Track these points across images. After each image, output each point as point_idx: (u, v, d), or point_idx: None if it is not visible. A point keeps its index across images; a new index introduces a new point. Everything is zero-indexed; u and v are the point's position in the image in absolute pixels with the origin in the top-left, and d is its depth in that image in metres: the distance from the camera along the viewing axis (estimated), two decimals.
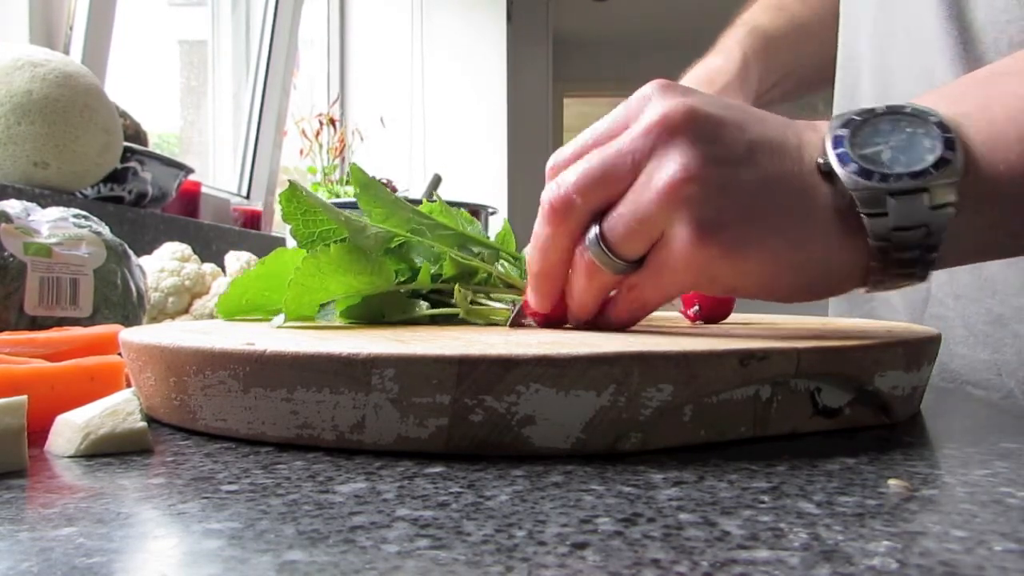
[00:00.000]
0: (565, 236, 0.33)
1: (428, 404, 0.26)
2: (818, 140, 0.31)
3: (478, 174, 2.61)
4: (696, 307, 0.44)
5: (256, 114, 2.03)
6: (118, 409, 0.28)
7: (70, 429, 0.27)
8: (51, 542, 0.18)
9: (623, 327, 0.36)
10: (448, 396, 0.26)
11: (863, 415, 0.31)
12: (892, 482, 0.23)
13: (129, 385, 0.34)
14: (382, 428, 0.26)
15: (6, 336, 0.38)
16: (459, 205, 1.05)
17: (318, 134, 1.98)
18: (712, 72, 0.65)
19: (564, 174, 0.33)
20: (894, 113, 0.31)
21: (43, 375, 0.31)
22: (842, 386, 0.31)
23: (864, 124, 0.30)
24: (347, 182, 1.94)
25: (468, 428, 0.26)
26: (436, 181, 1.27)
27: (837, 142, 0.30)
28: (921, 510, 0.21)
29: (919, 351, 0.33)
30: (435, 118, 2.71)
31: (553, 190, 0.33)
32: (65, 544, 0.18)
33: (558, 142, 4.19)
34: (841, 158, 0.30)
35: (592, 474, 0.24)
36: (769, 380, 0.29)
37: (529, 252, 0.36)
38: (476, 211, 1.09)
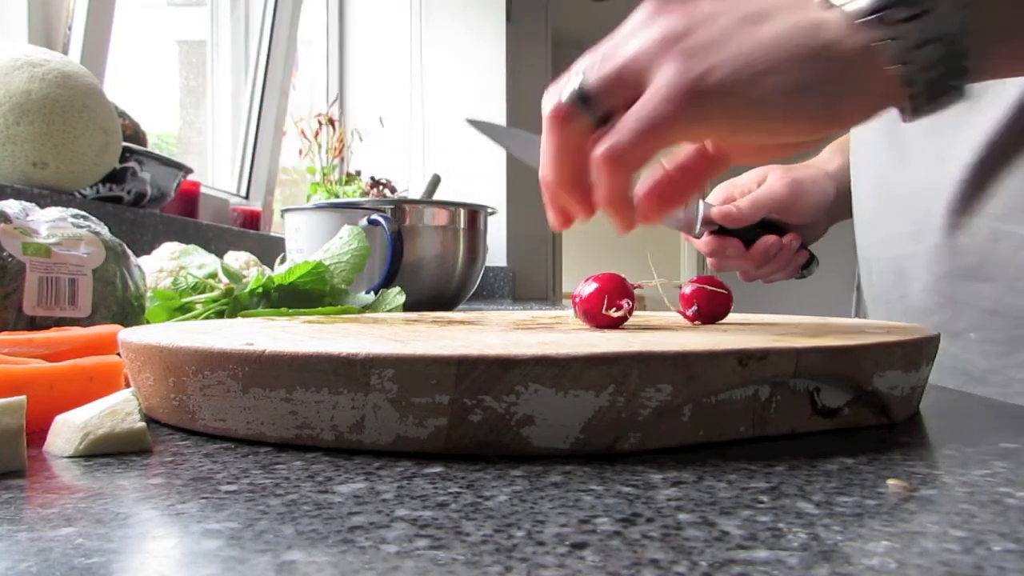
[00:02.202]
0: (559, 133, 0.33)
1: (427, 404, 0.26)
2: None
3: (477, 174, 2.61)
4: (695, 307, 0.44)
5: (255, 114, 2.03)
6: (117, 409, 0.28)
7: (69, 429, 0.27)
8: (50, 542, 0.18)
9: (616, 210, 0.34)
10: (447, 396, 0.26)
11: (862, 415, 0.31)
12: (891, 482, 0.23)
13: (128, 385, 0.34)
14: (381, 428, 0.26)
15: (5, 336, 0.38)
16: (458, 205, 1.06)
17: (317, 134, 1.98)
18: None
19: (570, 72, 0.34)
20: None
21: (42, 375, 0.31)
22: (841, 386, 0.31)
23: None
24: (346, 182, 1.94)
25: (467, 428, 0.26)
26: (435, 181, 1.27)
27: None
28: (920, 510, 0.21)
29: (918, 351, 0.33)
30: (434, 118, 2.71)
31: (556, 86, 0.34)
32: (64, 544, 0.18)
33: None
34: None
35: (591, 474, 0.24)
36: (768, 380, 0.29)
37: (541, 170, 0.35)
38: (475, 211, 1.09)
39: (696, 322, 0.45)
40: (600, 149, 0.32)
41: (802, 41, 0.30)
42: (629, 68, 0.31)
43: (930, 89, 0.31)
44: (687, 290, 0.45)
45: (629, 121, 0.31)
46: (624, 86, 0.31)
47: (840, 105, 0.31)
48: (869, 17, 0.29)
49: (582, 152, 0.33)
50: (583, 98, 0.32)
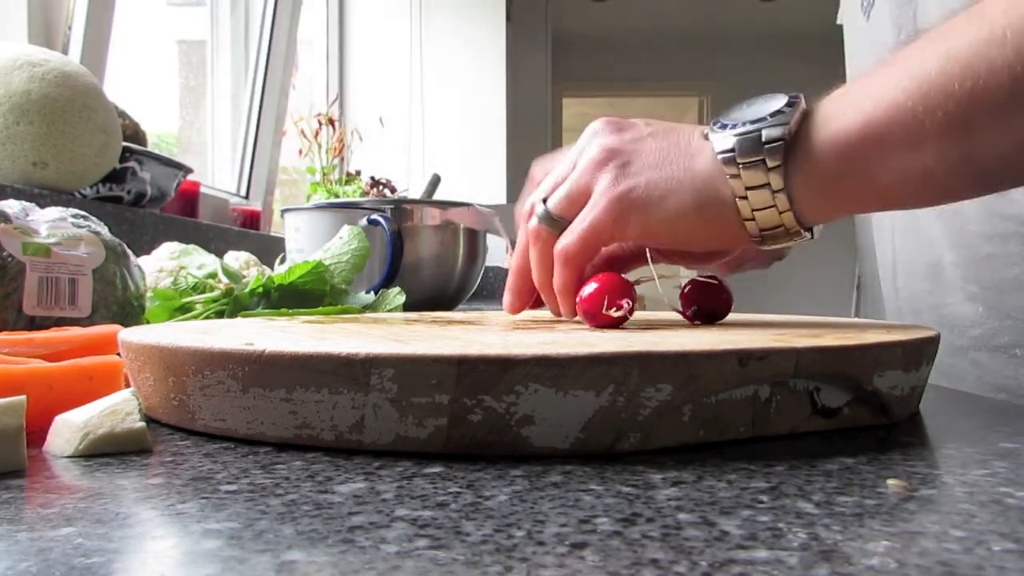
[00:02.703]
0: (544, 248, 0.42)
1: (427, 404, 0.26)
2: (702, 127, 0.41)
3: (477, 174, 2.61)
4: (695, 307, 0.44)
5: (255, 114, 2.03)
6: (117, 409, 0.28)
7: (69, 429, 0.27)
8: (50, 542, 0.18)
9: (563, 301, 0.42)
10: (447, 396, 0.26)
11: (862, 415, 0.31)
12: (891, 482, 0.23)
13: (128, 385, 0.34)
14: (381, 428, 0.26)
15: (5, 336, 0.38)
16: (458, 205, 1.06)
17: (317, 134, 1.98)
18: None
19: (534, 194, 0.44)
20: (769, 95, 0.39)
21: (42, 375, 0.31)
22: (841, 386, 0.31)
23: (744, 103, 0.40)
24: (346, 182, 1.94)
25: (467, 428, 0.26)
26: (435, 181, 1.27)
27: (714, 119, 0.40)
28: (920, 510, 0.21)
29: (918, 351, 0.33)
30: (434, 118, 2.71)
31: (525, 204, 0.44)
32: (64, 544, 0.18)
33: (557, 142, 4.19)
34: (715, 123, 0.39)
35: (591, 474, 0.24)
36: (768, 380, 0.29)
37: (510, 264, 0.45)
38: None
39: (696, 322, 0.45)
40: (556, 249, 0.41)
41: (684, 175, 0.39)
42: (577, 189, 0.41)
43: (764, 231, 0.39)
44: (687, 289, 0.45)
45: (575, 226, 0.41)
46: (574, 204, 0.41)
47: (715, 227, 0.39)
48: (727, 154, 0.38)
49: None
50: (549, 218, 0.42)
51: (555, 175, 0.43)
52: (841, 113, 0.36)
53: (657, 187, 0.39)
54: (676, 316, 0.48)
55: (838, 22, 0.76)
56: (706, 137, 0.40)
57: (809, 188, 0.37)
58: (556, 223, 0.41)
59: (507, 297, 0.46)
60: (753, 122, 0.37)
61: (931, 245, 0.58)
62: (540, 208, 0.42)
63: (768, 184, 0.37)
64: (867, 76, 0.37)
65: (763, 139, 0.37)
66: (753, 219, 0.38)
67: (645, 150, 0.40)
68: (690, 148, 0.40)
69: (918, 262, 0.60)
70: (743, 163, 0.37)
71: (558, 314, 0.44)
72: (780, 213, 0.38)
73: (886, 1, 0.60)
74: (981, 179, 0.37)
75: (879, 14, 0.61)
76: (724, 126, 0.38)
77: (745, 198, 0.38)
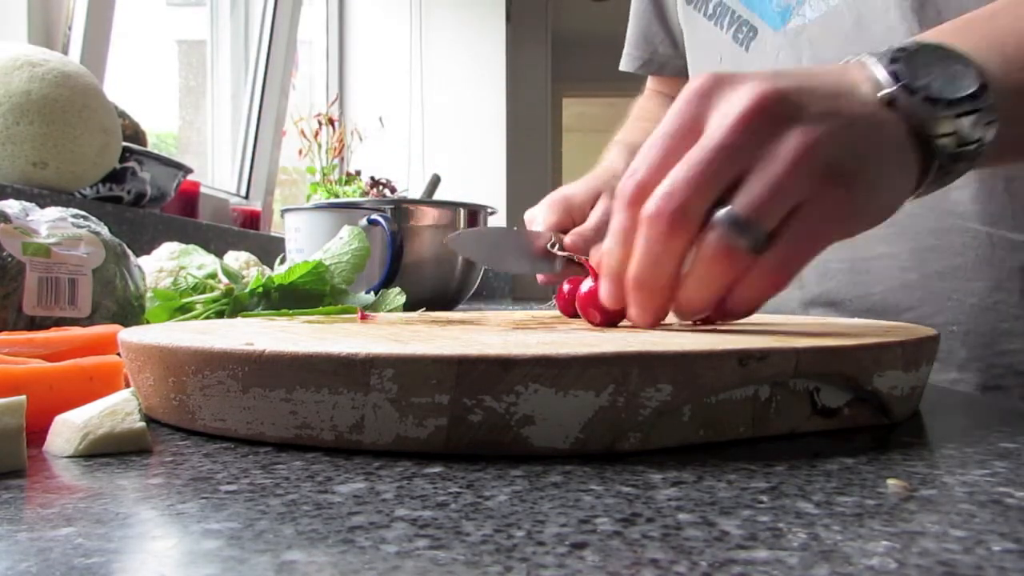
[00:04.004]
0: (685, 240, 0.33)
1: (427, 404, 0.26)
2: (867, 78, 0.35)
3: (477, 174, 2.61)
4: None
5: (255, 114, 2.03)
6: (117, 409, 0.28)
7: (69, 429, 0.27)
8: (50, 542, 0.18)
9: (747, 314, 0.35)
10: (447, 396, 0.26)
11: (862, 415, 0.31)
12: (891, 482, 0.23)
13: (128, 385, 0.34)
14: (381, 428, 0.26)
15: (5, 336, 0.38)
16: (458, 205, 1.06)
17: (317, 134, 1.98)
18: (600, 183, 0.71)
19: (667, 181, 0.33)
20: (924, 49, 0.35)
21: (42, 375, 0.31)
22: (841, 386, 0.31)
23: (908, 60, 0.35)
24: (346, 182, 1.94)
25: (467, 428, 0.26)
26: (435, 181, 1.27)
27: (895, 76, 0.34)
28: (920, 510, 0.21)
29: (918, 351, 0.33)
30: (434, 118, 2.71)
31: (663, 198, 0.33)
32: (64, 544, 0.18)
33: (557, 142, 4.19)
34: (906, 90, 0.34)
35: (591, 474, 0.24)
36: (768, 380, 0.29)
37: (635, 272, 0.34)
38: (475, 211, 1.09)
39: (696, 322, 0.44)
40: (770, 269, 0.33)
41: (887, 156, 0.34)
42: (777, 186, 0.32)
43: (948, 177, 0.36)
44: None
45: (800, 242, 0.33)
46: (776, 205, 0.32)
47: (901, 198, 0.36)
48: (947, 138, 0.34)
49: (684, 258, 0.34)
50: (741, 226, 0.32)
51: (701, 159, 0.33)
52: (1016, 71, 0.36)
53: (878, 181, 0.34)
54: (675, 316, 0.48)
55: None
56: (888, 103, 0.34)
57: (996, 148, 0.36)
58: (758, 237, 0.32)
59: (642, 314, 0.35)
60: (968, 98, 0.34)
61: (853, 243, 0.60)
62: (726, 215, 0.32)
63: (969, 159, 0.35)
64: (993, 23, 0.37)
65: (984, 119, 0.34)
66: (930, 185, 0.36)
67: (848, 134, 0.33)
68: (881, 123, 0.34)
69: (839, 259, 0.63)
70: (963, 144, 0.35)
71: (689, 318, 0.37)
72: (956, 177, 0.36)
73: (773, 34, 0.64)
74: None
75: (762, 44, 0.65)
76: (931, 100, 0.34)
77: (939, 172, 0.36)
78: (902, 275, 0.60)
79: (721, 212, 0.32)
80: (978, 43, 0.36)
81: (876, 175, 0.34)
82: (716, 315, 0.35)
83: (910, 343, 0.32)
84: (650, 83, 0.92)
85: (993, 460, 0.26)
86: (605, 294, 0.37)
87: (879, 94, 0.34)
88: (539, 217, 0.65)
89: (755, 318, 0.50)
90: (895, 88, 0.34)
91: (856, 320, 0.48)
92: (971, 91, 0.34)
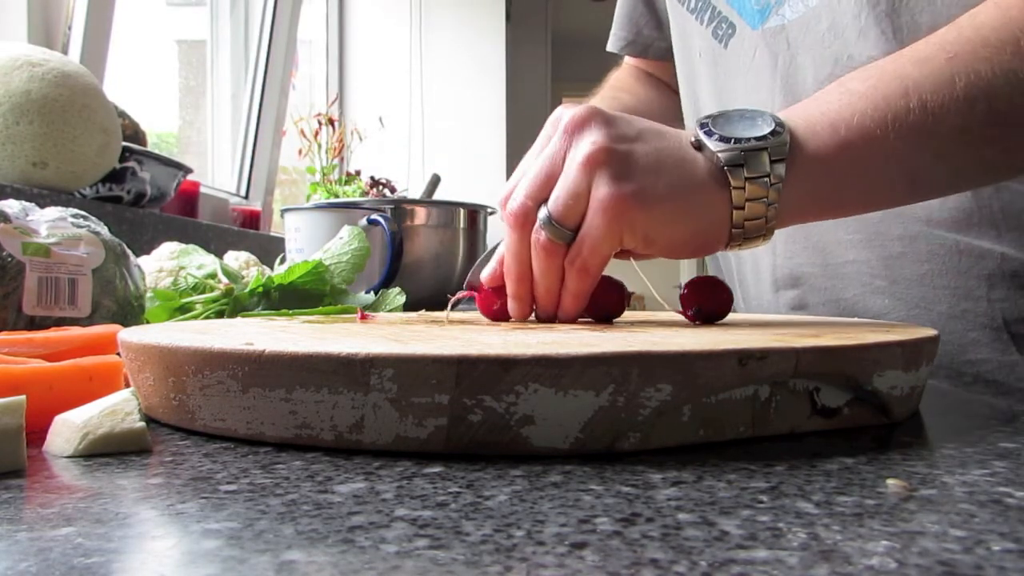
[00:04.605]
0: (528, 236, 0.41)
1: (427, 404, 0.26)
2: (687, 131, 0.43)
3: (477, 174, 2.61)
4: (696, 307, 0.44)
5: (255, 114, 2.03)
6: (117, 409, 0.28)
7: (69, 429, 0.27)
8: (49, 542, 0.18)
9: (575, 308, 0.43)
10: (447, 396, 0.26)
11: (862, 415, 0.31)
12: (891, 482, 0.23)
13: (128, 385, 0.34)
14: (381, 428, 0.26)
15: (5, 336, 0.38)
16: (458, 205, 1.06)
17: (317, 134, 1.98)
18: None
19: (516, 190, 0.42)
20: (740, 111, 0.42)
21: (42, 375, 0.31)
22: (841, 386, 0.31)
23: (719, 118, 0.42)
24: (346, 182, 1.94)
25: (467, 428, 0.26)
26: (435, 181, 1.27)
27: (703, 126, 0.42)
28: (920, 510, 0.21)
29: (917, 351, 0.33)
30: (434, 118, 2.71)
31: (511, 204, 0.42)
32: (63, 544, 0.18)
33: None
34: (708, 134, 0.41)
35: (591, 474, 0.24)
36: (768, 380, 0.29)
37: (505, 268, 0.43)
38: (475, 211, 1.09)
39: (696, 322, 0.45)
40: (572, 264, 0.41)
41: (682, 182, 0.40)
42: (576, 191, 0.40)
43: (746, 238, 0.42)
44: (687, 290, 0.45)
45: (587, 239, 0.40)
46: (576, 209, 0.40)
47: (705, 236, 0.42)
48: (735, 168, 0.40)
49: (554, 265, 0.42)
50: (553, 226, 0.40)
51: (536, 170, 0.42)
52: (818, 133, 0.42)
53: (657, 193, 0.39)
54: (675, 316, 0.48)
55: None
56: (697, 146, 0.41)
57: (796, 200, 0.41)
58: (561, 232, 0.40)
59: (514, 305, 0.44)
60: (759, 139, 0.40)
61: (824, 249, 0.63)
62: (543, 214, 0.40)
63: (766, 197, 0.40)
64: (826, 99, 0.43)
65: (771, 157, 0.40)
66: (742, 227, 0.41)
67: (639, 152, 0.40)
68: (682, 154, 0.41)
69: (812, 264, 0.64)
70: (750, 177, 0.40)
71: (549, 320, 0.44)
72: (767, 223, 0.41)
73: (752, 33, 0.65)
74: (933, 189, 0.47)
75: (740, 42, 0.66)
76: (724, 139, 0.40)
77: (742, 208, 0.40)
78: (871, 281, 0.61)
79: (541, 213, 0.41)
80: (795, 111, 0.43)
81: (671, 196, 0.40)
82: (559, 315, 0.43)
83: (910, 343, 0.32)
84: (629, 59, 0.91)
85: (993, 460, 0.26)
86: (510, 309, 0.44)
87: (690, 139, 0.42)
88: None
89: (755, 318, 0.50)
90: (700, 132, 0.41)
91: (856, 320, 0.48)
92: (761, 134, 0.40)
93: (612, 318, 0.46)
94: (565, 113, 0.42)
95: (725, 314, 0.45)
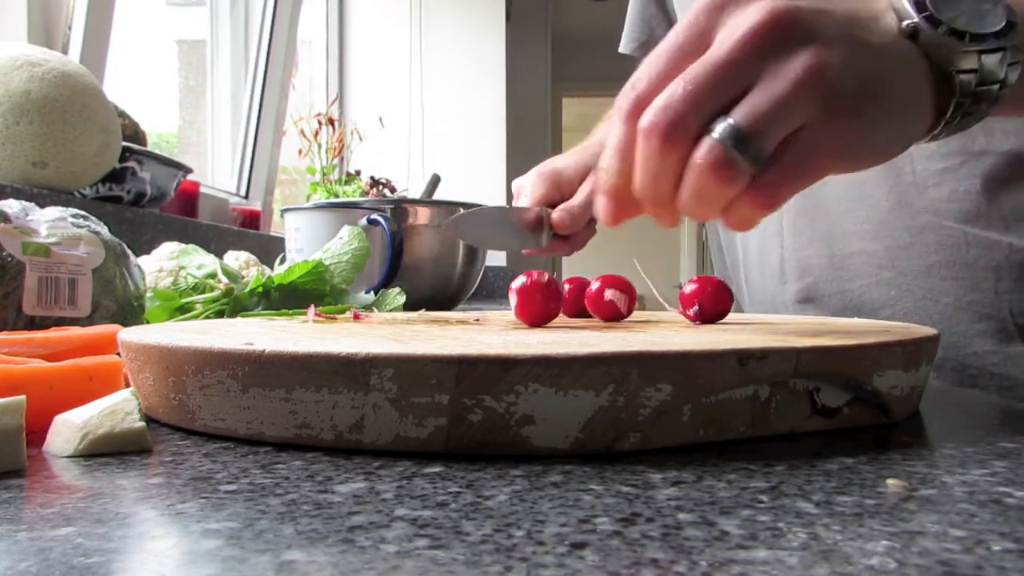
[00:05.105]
0: (681, 155, 0.32)
1: (427, 404, 0.26)
2: (890, 6, 0.34)
3: (477, 174, 2.61)
4: (696, 307, 0.44)
5: (255, 114, 2.03)
6: (117, 409, 0.28)
7: (69, 429, 0.27)
8: (49, 542, 0.18)
9: (740, 230, 0.35)
10: (447, 396, 0.26)
11: (862, 415, 0.31)
12: (891, 482, 0.23)
13: (128, 385, 0.34)
14: (381, 428, 0.26)
15: (4, 336, 0.38)
16: (458, 205, 1.06)
17: (317, 134, 1.97)
18: (591, 157, 0.68)
19: (665, 94, 0.31)
20: None
21: (42, 375, 0.31)
22: (841, 386, 0.31)
23: None
24: (346, 182, 1.94)
25: (467, 428, 0.26)
26: (435, 181, 1.27)
27: (919, 6, 0.33)
28: (920, 510, 0.21)
29: (918, 351, 0.33)
30: (434, 118, 2.71)
31: (659, 111, 0.31)
32: (63, 544, 0.18)
33: (557, 143, 4.19)
34: (929, 21, 0.32)
35: (591, 474, 0.24)
36: (768, 380, 0.29)
37: (635, 186, 0.33)
38: None
39: (696, 322, 0.45)
40: (763, 189, 0.32)
41: (902, 91, 0.33)
42: (781, 107, 0.31)
43: (967, 118, 0.35)
44: (687, 289, 0.45)
45: (797, 166, 0.32)
46: (779, 126, 0.31)
47: (913, 133, 0.35)
48: (971, 47, 0.33)
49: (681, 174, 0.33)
50: (742, 141, 0.31)
51: (706, 71, 0.31)
52: None
53: (888, 114, 0.33)
54: (675, 316, 0.48)
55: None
56: (910, 35, 0.33)
57: (1018, 94, 0.35)
58: (759, 154, 0.31)
59: (611, 205, 0.35)
60: (996, 35, 0.33)
61: (831, 240, 0.62)
62: (726, 129, 0.31)
63: (990, 101, 0.34)
64: None
65: (1011, 60, 0.33)
66: (947, 130, 0.35)
67: (862, 60, 0.32)
68: (902, 54, 0.33)
69: (819, 255, 0.64)
70: (982, 84, 0.33)
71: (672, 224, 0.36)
72: (973, 123, 0.35)
73: None
74: None
75: None
76: (957, 33, 0.33)
77: (958, 115, 0.34)
78: (878, 272, 0.60)
79: (721, 123, 0.31)
80: None
81: (888, 108, 0.33)
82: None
83: (910, 343, 0.32)
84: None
85: (993, 460, 0.26)
86: (602, 210, 0.35)
87: (902, 24, 0.33)
88: (527, 189, 0.64)
89: (755, 318, 0.50)
90: (919, 19, 0.33)
91: (856, 320, 0.48)
92: (998, 28, 0.33)
93: (718, 318, 0.45)
94: (738, 7, 0.32)
95: (725, 313, 0.45)
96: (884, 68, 0.32)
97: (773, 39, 0.31)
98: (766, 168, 0.31)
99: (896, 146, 0.34)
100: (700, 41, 0.33)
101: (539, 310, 0.42)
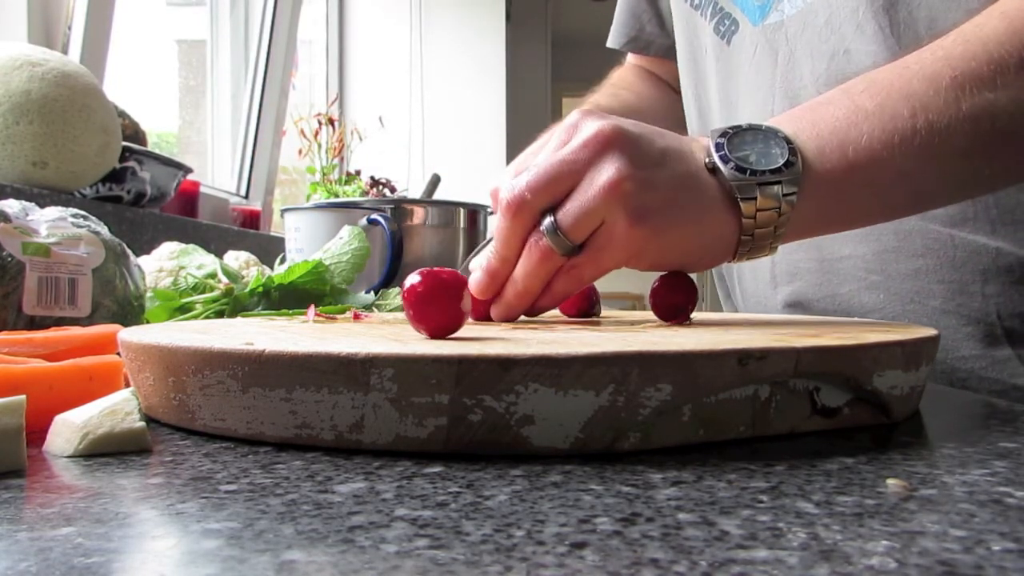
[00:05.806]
0: (520, 228, 0.41)
1: (427, 404, 0.26)
2: (702, 148, 0.42)
3: (477, 174, 2.61)
4: (661, 306, 0.45)
5: (255, 114, 2.03)
6: (117, 409, 0.28)
7: (69, 429, 0.27)
8: (49, 542, 0.18)
9: (552, 307, 0.43)
10: (447, 396, 0.26)
11: (862, 415, 0.31)
12: (891, 482, 0.23)
13: (128, 385, 0.34)
14: (381, 428, 0.26)
15: (5, 336, 0.38)
16: (458, 205, 1.06)
17: (317, 134, 1.98)
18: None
19: (517, 179, 0.40)
20: (753, 129, 0.42)
21: (42, 375, 0.31)
22: (841, 386, 0.31)
23: (734, 136, 0.42)
24: (346, 182, 1.94)
25: (467, 428, 0.26)
26: (435, 181, 1.27)
27: (718, 148, 0.41)
28: (920, 510, 0.21)
29: (917, 351, 0.33)
30: (434, 118, 2.71)
31: (509, 190, 0.41)
32: (64, 544, 0.18)
33: None
34: (723, 159, 0.41)
35: (591, 474, 0.24)
36: (768, 380, 0.29)
37: (494, 248, 0.42)
38: (475, 211, 1.09)
39: (668, 321, 0.44)
40: (570, 274, 0.41)
41: (698, 213, 0.41)
42: (591, 213, 0.39)
43: (759, 240, 0.42)
44: (656, 286, 0.45)
45: (593, 258, 0.40)
46: (586, 228, 0.40)
47: (713, 258, 0.43)
48: (748, 201, 0.40)
49: (522, 245, 0.41)
50: (558, 237, 0.40)
51: (545, 169, 0.40)
52: (828, 154, 0.42)
53: (671, 224, 0.40)
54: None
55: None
56: (711, 170, 0.41)
57: (804, 218, 0.42)
58: (565, 245, 0.40)
59: (484, 280, 0.43)
60: (773, 172, 0.40)
61: (822, 244, 0.64)
62: (548, 223, 0.40)
63: (776, 217, 0.41)
64: (834, 113, 0.43)
65: (784, 191, 0.40)
66: (751, 236, 0.42)
67: (659, 180, 0.40)
68: (698, 180, 0.41)
69: (809, 259, 0.64)
70: (761, 208, 0.40)
71: (505, 319, 0.43)
72: (774, 238, 0.42)
73: (752, 30, 0.65)
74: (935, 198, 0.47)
75: (742, 39, 0.66)
76: (740, 169, 0.40)
77: (752, 219, 0.41)
78: (867, 276, 0.60)
79: (546, 219, 0.40)
80: (804, 125, 0.43)
81: (680, 221, 0.40)
82: (530, 309, 0.43)
83: (910, 343, 0.32)
84: (631, 57, 0.91)
85: (993, 460, 0.26)
86: (472, 283, 0.43)
87: (706, 160, 0.41)
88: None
89: (755, 318, 0.50)
90: (716, 156, 0.41)
91: (856, 320, 0.48)
92: (776, 166, 0.40)
93: (681, 313, 0.45)
94: (587, 122, 0.41)
95: (692, 305, 0.45)
96: (681, 190, 0.40)
97: (599, 149, 0.39)
98: (577, 254, 0.41)
99: (704, 255, 0.43)
100: (559, 147, 0.42)
101: (443, 316, 0.34)
